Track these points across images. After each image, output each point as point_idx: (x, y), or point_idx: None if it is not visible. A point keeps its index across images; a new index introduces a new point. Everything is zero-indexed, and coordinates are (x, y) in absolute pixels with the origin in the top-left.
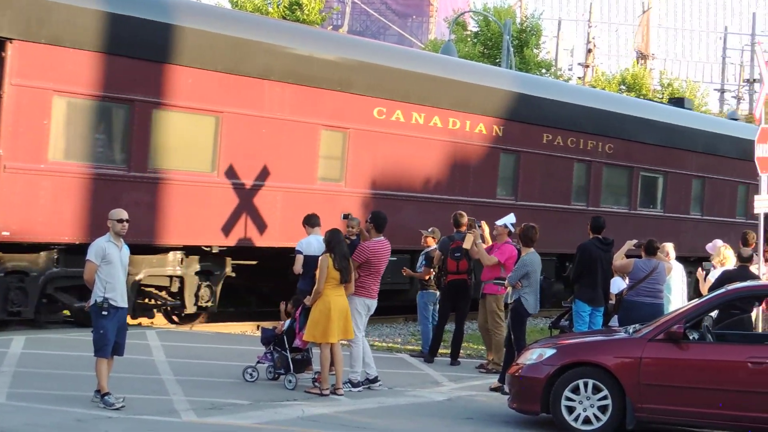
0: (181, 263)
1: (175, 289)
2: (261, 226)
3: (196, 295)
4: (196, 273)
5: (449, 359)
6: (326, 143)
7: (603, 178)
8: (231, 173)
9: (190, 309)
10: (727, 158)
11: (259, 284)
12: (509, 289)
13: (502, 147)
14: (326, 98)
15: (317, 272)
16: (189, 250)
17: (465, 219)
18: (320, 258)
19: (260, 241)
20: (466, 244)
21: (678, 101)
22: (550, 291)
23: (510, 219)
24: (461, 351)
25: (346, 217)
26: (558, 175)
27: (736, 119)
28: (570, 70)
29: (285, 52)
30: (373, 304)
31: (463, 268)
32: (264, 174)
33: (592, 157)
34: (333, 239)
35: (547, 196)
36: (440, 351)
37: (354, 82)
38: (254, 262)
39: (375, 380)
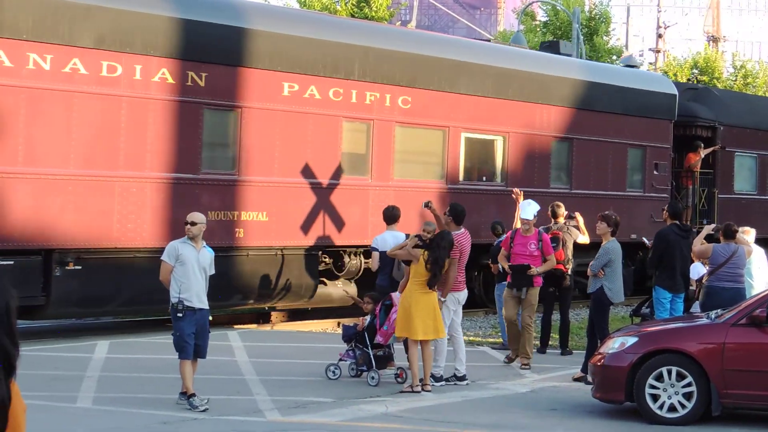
0: None
1: None
2: None
3: None
4: None
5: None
6: None
7: (396, 143)
8: None
9: None
10: (611, 114)
11: None
12: (590, 277)
13: (207, 102)
14: None
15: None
16: None
17: (562, 209)
18: (417, 250)
19: None
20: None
21: (552, 45)
22: (632, 280)
23: (533, 209)
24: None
25: (427, 205)
26: (315, 141)
27: (634, 66)
28: (641, 55)
29: None
30: (463, 296)
31: (560, 258)
32: None
33: (376, 114)
34: (434, 242)
35: (297, 170)
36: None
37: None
38: None
39: (463, 378)
